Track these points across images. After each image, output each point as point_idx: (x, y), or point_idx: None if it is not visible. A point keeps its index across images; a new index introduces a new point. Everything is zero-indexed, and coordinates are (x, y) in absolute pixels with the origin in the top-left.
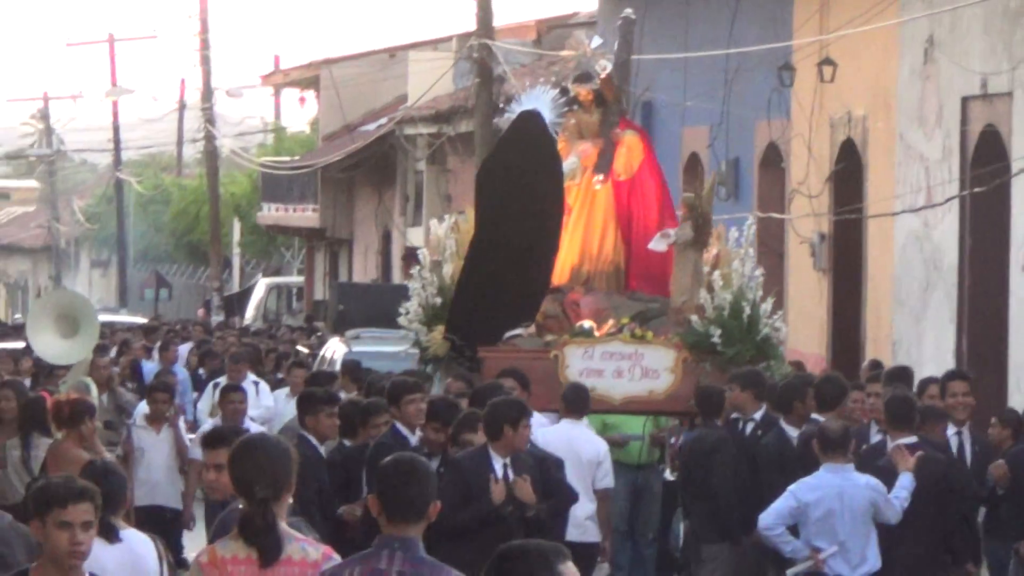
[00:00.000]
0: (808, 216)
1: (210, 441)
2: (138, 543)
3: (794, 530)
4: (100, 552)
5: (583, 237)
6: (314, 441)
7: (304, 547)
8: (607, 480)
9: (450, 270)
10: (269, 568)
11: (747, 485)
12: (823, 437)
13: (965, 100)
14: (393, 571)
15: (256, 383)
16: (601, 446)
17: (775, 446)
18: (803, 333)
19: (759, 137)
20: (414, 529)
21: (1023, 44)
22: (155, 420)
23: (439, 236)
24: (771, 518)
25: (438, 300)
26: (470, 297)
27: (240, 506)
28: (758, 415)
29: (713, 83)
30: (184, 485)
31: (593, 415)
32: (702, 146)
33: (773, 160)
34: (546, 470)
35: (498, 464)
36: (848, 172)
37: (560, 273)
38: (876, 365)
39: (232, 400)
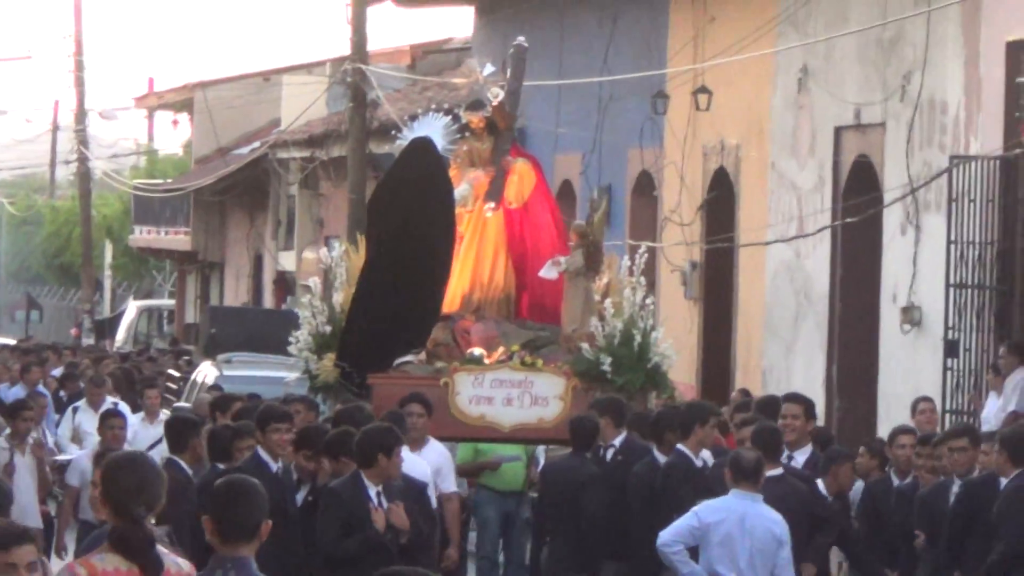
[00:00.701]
0: (680, 244)
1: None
2: None
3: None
4: None
5: (474, 265)
6: (183, 464)
7: (176, 561)
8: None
9: (340, 298)
10: None
11: (612, 516)
12: (736, 464)
13: (838, 130)
14: None
15: (115, 403)
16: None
17: (646, 475)
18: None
19: (632, 164)
20: (247, 548)
21: (896, 75)
22: (17, 439)
23: (324, 261)
24: (670, 535)
25: (328, 328)
26: (360, 323)
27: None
28: (617, 441)
29: (586, 110)
30: (56, 511)
31: (472, 443)
32: (575, 173)
33: (645, 188)
34: (414, 496)
35: (372, 491)
36: (720, 201)
37: (451, 301)
38: (745, 394)
39: (112, 426)
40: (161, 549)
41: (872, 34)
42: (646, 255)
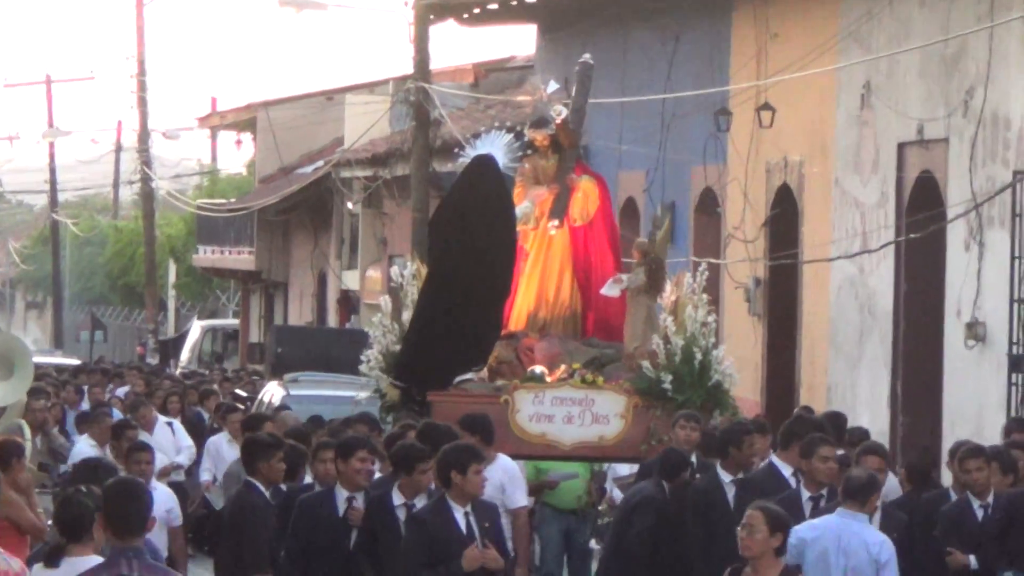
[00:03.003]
0: (744, 261)
1: None
2: (83, 567)
3: None
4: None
5: (539, 283)
6: (260, 486)
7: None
8: None
9: (410, 317)
10: None
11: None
12: (847, 483)
13: (901, 146)
14: (135, 575)
15: (170, 423)
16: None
17: (706, 490)
18: (738, 378)
19: (695, 182)
20: (138, 540)
21: (959, 90)
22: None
23: (395, 280)
24: None
25: (398, 347)
26: (421, 342)
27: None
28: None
29: (650, 127)
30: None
31: (536, 461)
32: (638, 190)
33: (709, 205)
34: (498, 522)
35: (459, 514)
36: (784, 217)
37: (517, 319)
38: (808, 411)
39: (139, 460)
40: None
41: (935, 50)
42: (707, 272)
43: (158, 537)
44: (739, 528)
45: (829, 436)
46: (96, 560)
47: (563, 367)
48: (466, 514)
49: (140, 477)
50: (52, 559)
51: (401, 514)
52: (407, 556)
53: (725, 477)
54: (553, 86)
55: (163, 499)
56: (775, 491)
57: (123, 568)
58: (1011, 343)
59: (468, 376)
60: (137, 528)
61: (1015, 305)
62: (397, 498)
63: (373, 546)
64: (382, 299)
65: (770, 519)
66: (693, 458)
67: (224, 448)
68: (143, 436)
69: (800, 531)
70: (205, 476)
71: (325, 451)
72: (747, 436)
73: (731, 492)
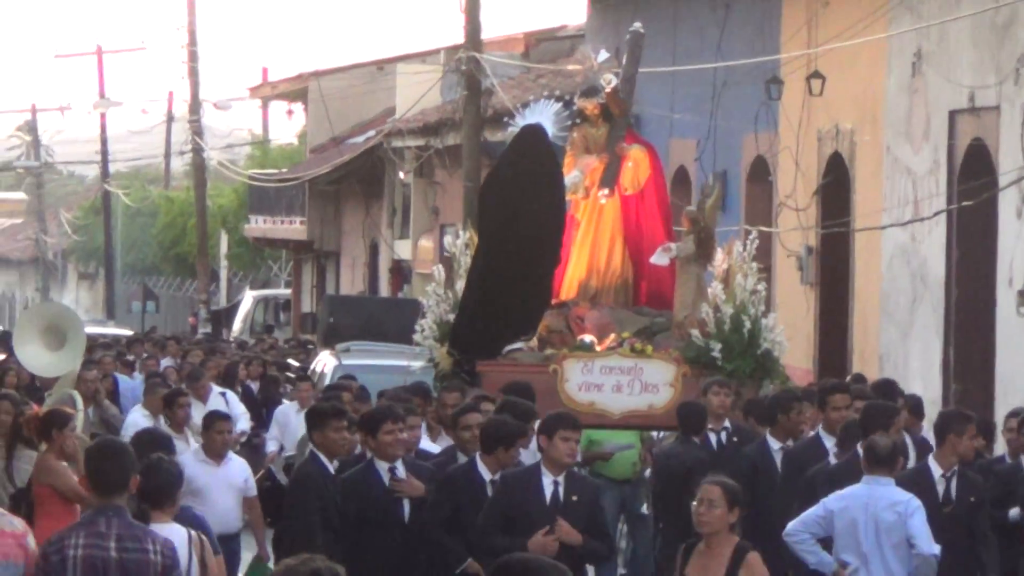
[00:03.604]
0: (796, 230)
1: None
2: (169, 534)
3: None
4: None
5: (590, 252)
6: (323, 458)
7: (11, 521)
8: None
9: (463, 286)
10: None
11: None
12: (869, 451)
13: (953, 114)
14: (112, 534)
15: (223, 394)
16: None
17: (754, 457)
18: (790, 347)
19: (746, 150)
20: (120, 499)
21: (1011, 58)
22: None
23: (448, 250)
24: (796, 525)
25: (451, 316)
26: (471, 311)
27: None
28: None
29: (701, 96)
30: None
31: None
32: (689, 159)
33: (760, 173)
34: (596, 500)
35: (548, 481)
36: (835, 185)
37: (568, 288)
38: (859, 379)
39: (221, 430)
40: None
41: (986, 17)
42: (757, 241)
43: (235, 507)
44: (695, 503)
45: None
46: (176, 528)
47: (613, 336)
48: (555, 483)
49: (221, 447)
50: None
51: (491, 491)
52: (485, 517)
53: (774, 444)
54: (603, 55)
55: (239, 469)
56: (817, 461)
57: (101, 526)
58: None
59: (518, 346)
60: (117, 487)
61: None
62: (486, 473)
63: (453, 520)
64: (435, 268)
65: (729, 494)
66: (727, 423)
67: (292, 417)
68: (195, 406)
69: (829, 502)
70: (271, 446)
71: (337, 420)
72: (796, 403)
73: (779, 459)
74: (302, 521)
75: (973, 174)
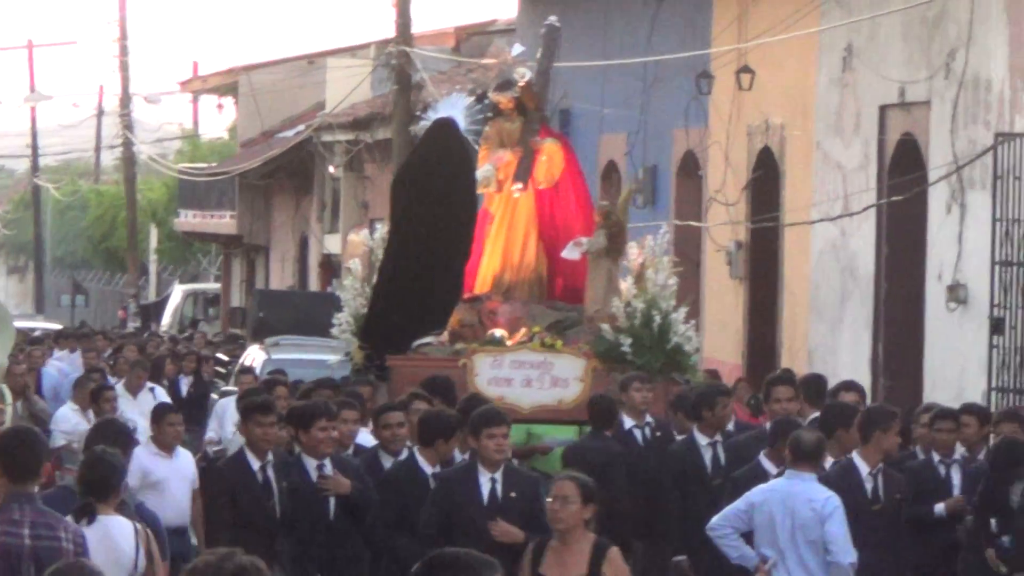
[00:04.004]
0: (725, 224)
1: None
2: (115, 527)
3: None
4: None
5: (504, 246)
6: (248, 452)
7: None
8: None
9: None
10: None
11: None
12: (795, 445)
13: (883, 108)
14: (26, 521)
15: (152, 389)
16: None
17: (683, 453)
18: (719, 341)
19: (676, 145)
20: (32, 486)
21: (941, 53)
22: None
23: (362, 244)
24: (719, 519)
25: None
26: (383, 305)
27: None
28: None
29: (631, 91)
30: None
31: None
32: (619, 154)
33: (690, 168)
34: (537, 494)
35: (484, 479)
36: (765, 180)
37: (482, 282)
38: (788, 373)
39: (173, 422)
40: None
41: (916, 12)
42: (668, 235)
43: (188, 499)
44: (549, 499)
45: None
46: (122, 520)
47: (524, 330)
48: (492, 480)
49: (172, 439)
50: (85, 517)
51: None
52: (424, 518)
53: (702, 440)
54: (518, 48)
55: (188, 461)
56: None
57: (15, 514)
58: (992, 305)
59: (428, 340)
60: (30, 474)
61: (996, 267)
62: (427, 467)
63: (402, 517)
64: (352, 262)
65: (583, 489)
66: (649, 418)
67: (230, 410)
68: (126, 400)
69: (751, 496)
70: (210, 435)
71: (262, 415)
72: (721, 398)
73: (708, 455)
74: (214, 518)
75: (903, 169)
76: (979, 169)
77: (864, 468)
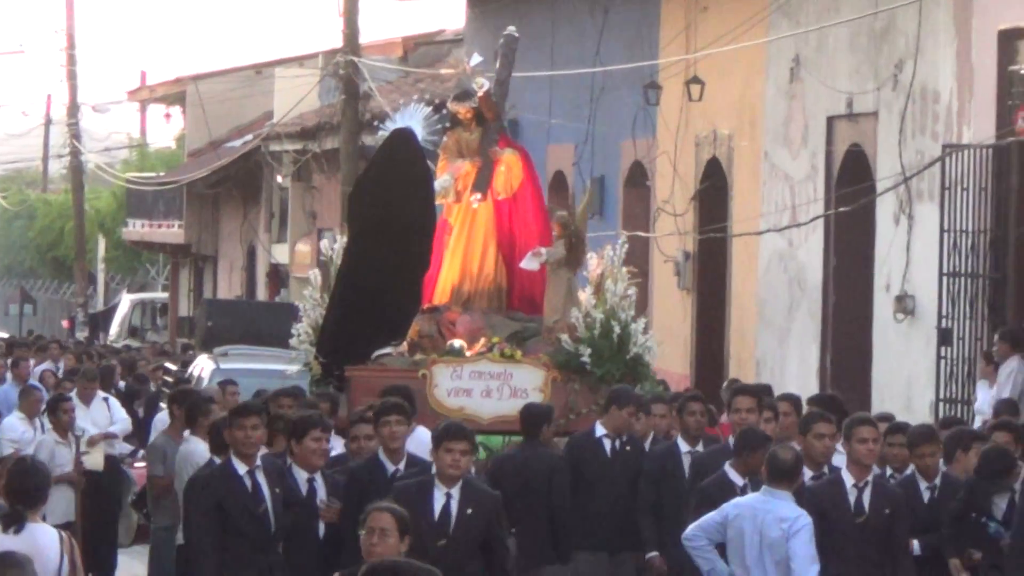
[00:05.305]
0: (673, 235)
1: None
2: (42, 535)
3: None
4: (2, 541)
5: (463, 256)
6: (235, 460)
7: None
8: None
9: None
10: None
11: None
12: (772, 462)
13: (831, 119)
14: None
15: (106, 399)
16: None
17: (661, 457)
18: (667, 352)
19: (624, 155)
20: None
21: (888, 63)
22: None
23: (324, 254)
24: (694, 529)
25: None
26: (340, 315)
27: None
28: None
29: (579, 101)
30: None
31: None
32: (567, 164)
33: (638, 178)
34: (496, 513)
35: (439, 493)
36: (713, 191)
37: (441, 292)
38: (735, 383)
39: (67, 410)
40: None
41: (864, 23)
42: (627, 245)
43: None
44: (363, 532)
45: (828, 413)
46: (47, 528)
47: (483, 341)
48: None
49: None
50: (14, 526)
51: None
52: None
53: (684, 447)
54: (476, 59)
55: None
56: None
57: None
58: (940, 316)
59: (387, 350)
60: None
61: (944, 278)
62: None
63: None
64: (311, 272)
65: (400, 522)
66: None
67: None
68: (79, 410)
69: (727, 508)
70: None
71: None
72: (690, 403)
73: (687, 462)
74: (199, 533)
75: (851, 180)
76: (927, 180)
77: (849, 480)
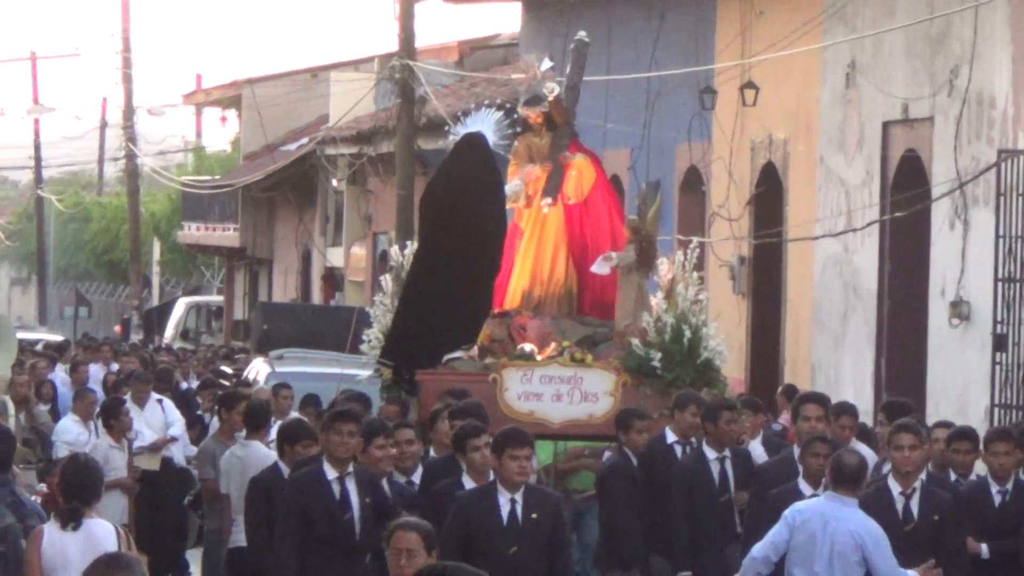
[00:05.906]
0: (728, 239)
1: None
2: (99, 530)
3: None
4: (61, 538)
5: (534, 261)
6: (281, 464)
7: None
8: None
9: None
10: None
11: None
12: (837, 467)
13: (886, 125)
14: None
15: (160, 400)
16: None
17: (691, 467)
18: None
19: (680, 160)
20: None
21: (944, 69)
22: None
23: (396, 259)
24: (763, 549)
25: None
26: (410, 320)
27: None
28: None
29: (634, 105)
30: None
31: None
32: (623, 169)
33: (694, 183)
34: (559, 514)
35: (504, 499)
36: (768, 196)
37: (511, 297)
38: (791, 389)
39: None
40: None
41: (920, 28)
42: (697, 250)
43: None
44: (390, 552)
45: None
46: (103, 523)
47: (554, 345)
48: (512, 501)
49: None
50: (72, 522)
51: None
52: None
53: (711, 454)
54: (547, 63)
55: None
56: (787, 479)
57: None
58: (995, 322)
59: (457, 354)
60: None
61: (999, 284)
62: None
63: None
64: (383, 278)
65: (426, 539)
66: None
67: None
68: (134, 412)
69: (789, 516)
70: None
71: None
72: (724, 412)
73: (715, 469)
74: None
75: (906, 185)
76: (982, 186)
77: (896, 488)
